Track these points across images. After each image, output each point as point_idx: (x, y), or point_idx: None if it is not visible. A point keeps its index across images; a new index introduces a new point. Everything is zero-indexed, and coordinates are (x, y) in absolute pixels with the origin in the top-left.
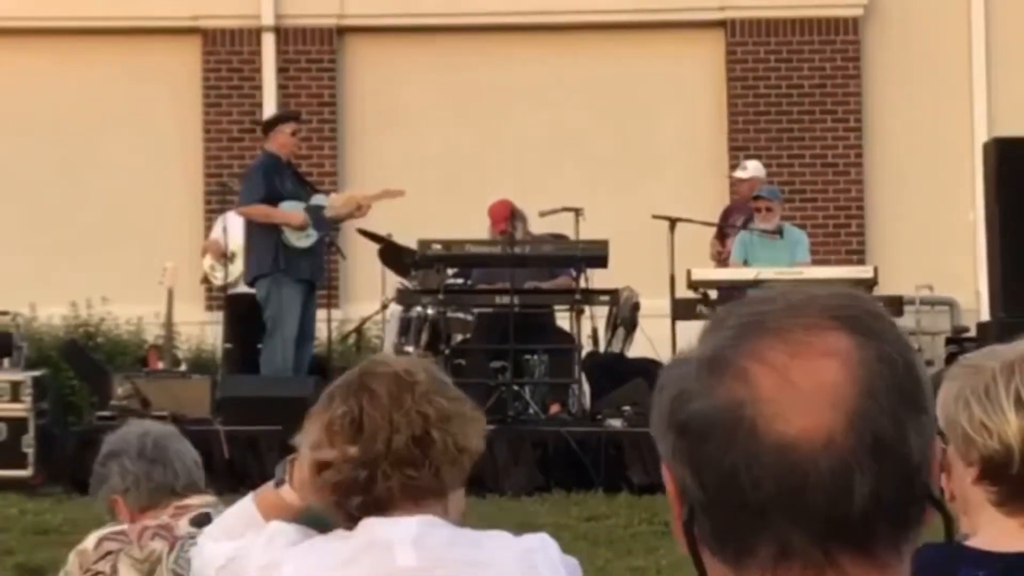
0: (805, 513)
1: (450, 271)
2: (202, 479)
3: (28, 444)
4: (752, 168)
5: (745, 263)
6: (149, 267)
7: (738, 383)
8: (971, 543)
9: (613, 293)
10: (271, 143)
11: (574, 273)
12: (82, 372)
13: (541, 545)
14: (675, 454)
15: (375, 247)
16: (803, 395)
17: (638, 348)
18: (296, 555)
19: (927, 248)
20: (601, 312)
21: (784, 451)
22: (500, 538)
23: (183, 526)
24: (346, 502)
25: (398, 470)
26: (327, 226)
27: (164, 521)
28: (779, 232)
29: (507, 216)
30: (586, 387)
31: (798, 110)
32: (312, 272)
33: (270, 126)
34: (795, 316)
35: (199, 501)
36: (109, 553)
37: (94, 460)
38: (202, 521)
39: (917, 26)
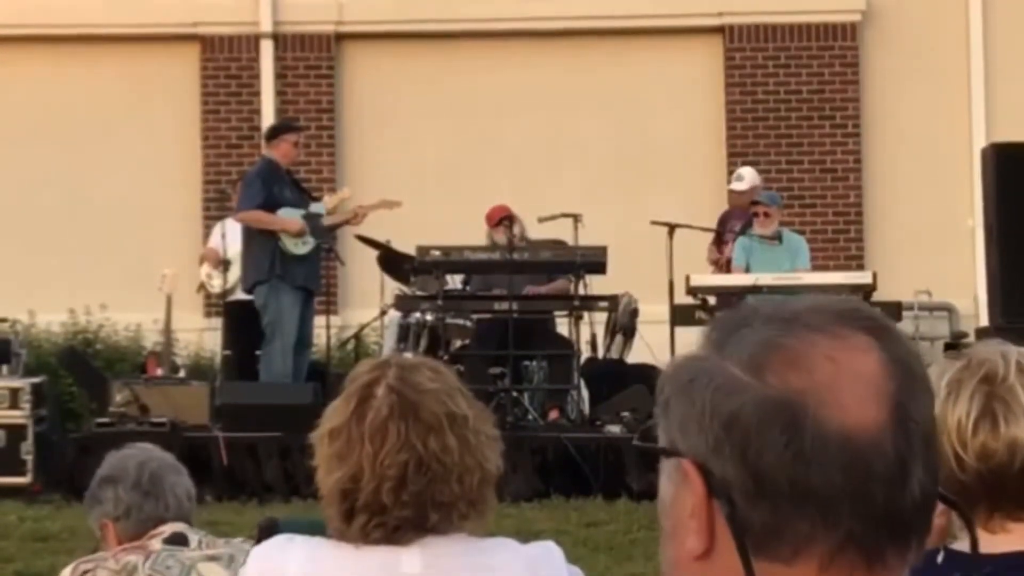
0: (866, 502)
1: (456, 277)
2: (192, 512)
3: (27, 451)
4: (749, 177)
5: (747, 268)
6: (148, 274)
7: (794, 373)
8: (956, 547)
9: (612, 299)
10: (273, 151)
11: (571, 277)
12: (81, 379)
13: (547, 553)
14: (718, 448)
15: (374, 253)
16: (859, 386)
17: (637, 354)
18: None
19: (926, 253)
20: (600, 318)
21: (848, 440)
22: (506, 546)
23: (156, 543)
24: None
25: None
26: (324, 233)
27: (138, 543)
28: (778, 238)
29: (500, 218)
30: (585, 393)
31: (796, 115)
32: (308, 279)
33: (274, 134)
34: (823, 317)
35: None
36: (86, 572)
37: (93, 467)
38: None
39: (915, 32)
